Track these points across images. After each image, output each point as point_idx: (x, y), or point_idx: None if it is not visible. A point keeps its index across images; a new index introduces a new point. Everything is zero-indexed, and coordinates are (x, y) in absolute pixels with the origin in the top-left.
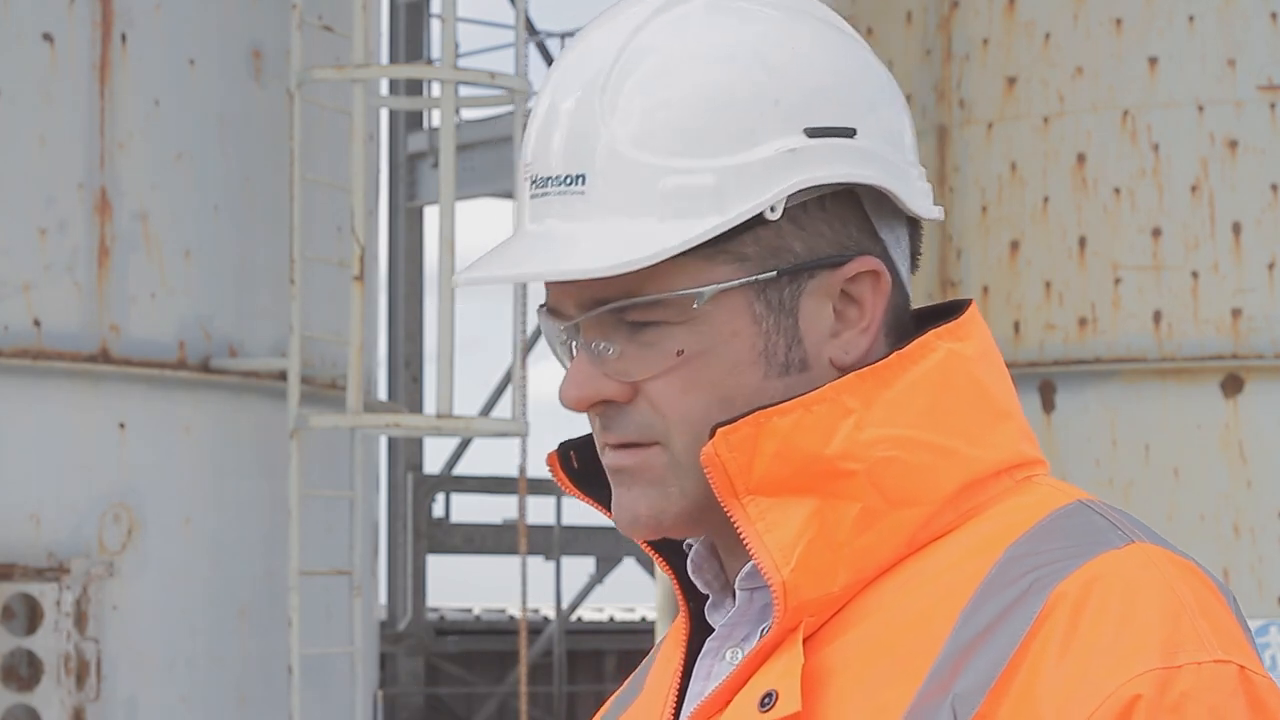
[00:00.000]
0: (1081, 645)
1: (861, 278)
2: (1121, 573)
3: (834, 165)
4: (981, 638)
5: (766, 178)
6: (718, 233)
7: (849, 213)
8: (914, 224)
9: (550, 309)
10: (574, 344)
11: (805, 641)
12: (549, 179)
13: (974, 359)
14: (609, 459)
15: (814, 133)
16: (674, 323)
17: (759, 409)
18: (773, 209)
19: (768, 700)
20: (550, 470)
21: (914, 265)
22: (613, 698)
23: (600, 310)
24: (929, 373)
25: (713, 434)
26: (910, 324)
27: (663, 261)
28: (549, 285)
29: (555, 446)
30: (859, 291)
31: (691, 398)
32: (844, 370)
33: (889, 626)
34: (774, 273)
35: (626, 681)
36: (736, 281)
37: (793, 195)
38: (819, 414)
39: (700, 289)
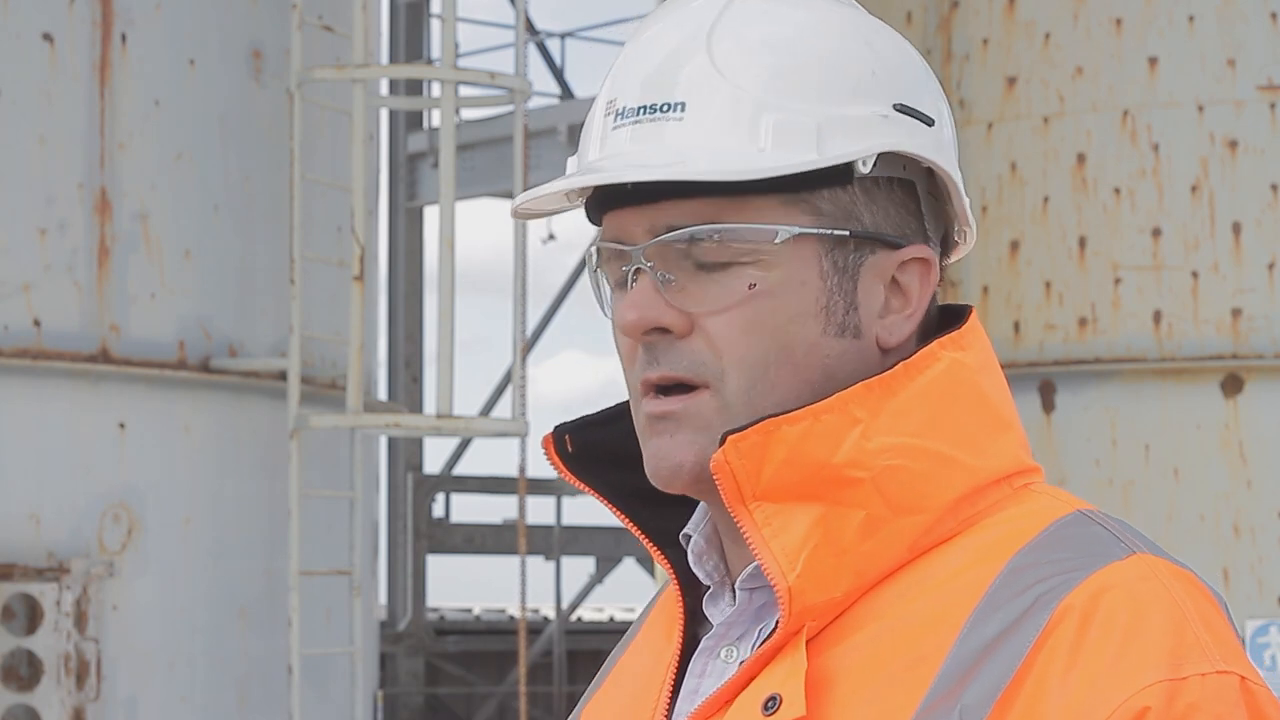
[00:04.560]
0: (1089, 658)
1: (912, 265)
2: (1126, 585)
3: (922, 144)
4: (989, 649)
5: (862, 133)
6: (817, 167)
7: (910, 202)
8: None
9: (613, 239)
10: (633, 274)
11: (807, 645)
12: (641, 108)
13: (976, 369)
14: (652, 406)
15: (902, 109)
16: (744, 262)
17: (770, 417)
18: (864, 162)
19: (772, 704)
20: (545, 453)
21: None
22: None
23: (679, 233)
24: (934, 382)
25: (723, 441)
26: (934, 327)
27: (745, 198)
28: (610, 216)
29: (551, 430)
30: (907, 279)
31: (752, 338)
32: (886, 351)
33: (892, 632)
34: (847, 232)
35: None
36: (814, 229)
37: (870, 167)
38: (827, 423)
39: (781, 226)
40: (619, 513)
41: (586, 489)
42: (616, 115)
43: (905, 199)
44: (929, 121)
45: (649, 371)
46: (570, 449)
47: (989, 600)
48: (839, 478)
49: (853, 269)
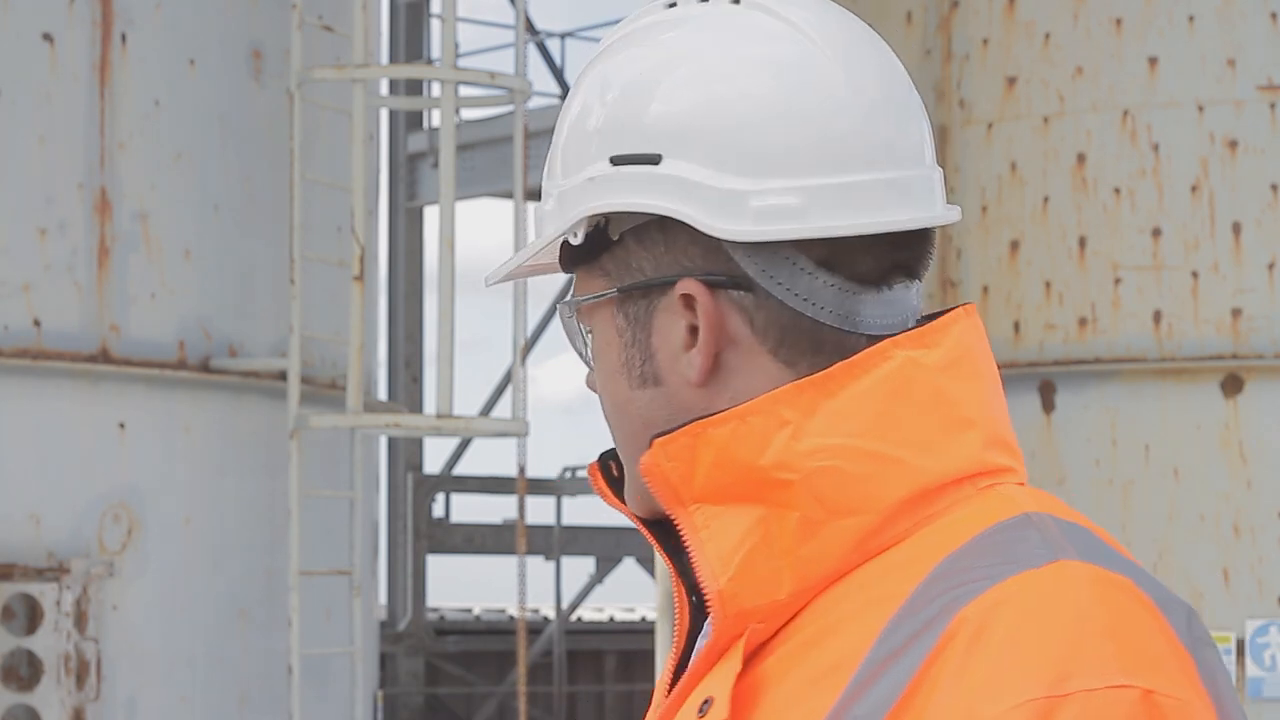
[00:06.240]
0: (972, 673)
1: (691, 299)
2: (1027, 595)
3: (626, 194)
4: (891, 659)
5: (574, 203)
6: (532, 254)
7: (688, 236)
8: (873, 243)
9: None
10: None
11: (760, 648)
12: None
13: (936, 367)
14: None
15: (617, 160)
16: (589, 329)
17: (695, 419)
18: (575, 235)
19: (705, 706)
20: (590, 480)
21: (911, 264)
22: None
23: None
24: (881, 381)
25: (650, 444)
26: (829, 340)
27: (579, 272)
28: None
29: (596, 457)
30: (693, 311)
31: (601, 396)
32: (698, 389)
33: (820, 637)
34: (615, 290)
35: None
36: (590, 296)
37: (626, 218)
38: (753, 425)
39: (572, 299)
40: (650, 535)
41: (627, 512)
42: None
43: (679, 233)
44: (653, 159)
45: None
46: (616, 474)
47: (905, 609)
48: (768, 479)
49: (645, 318)
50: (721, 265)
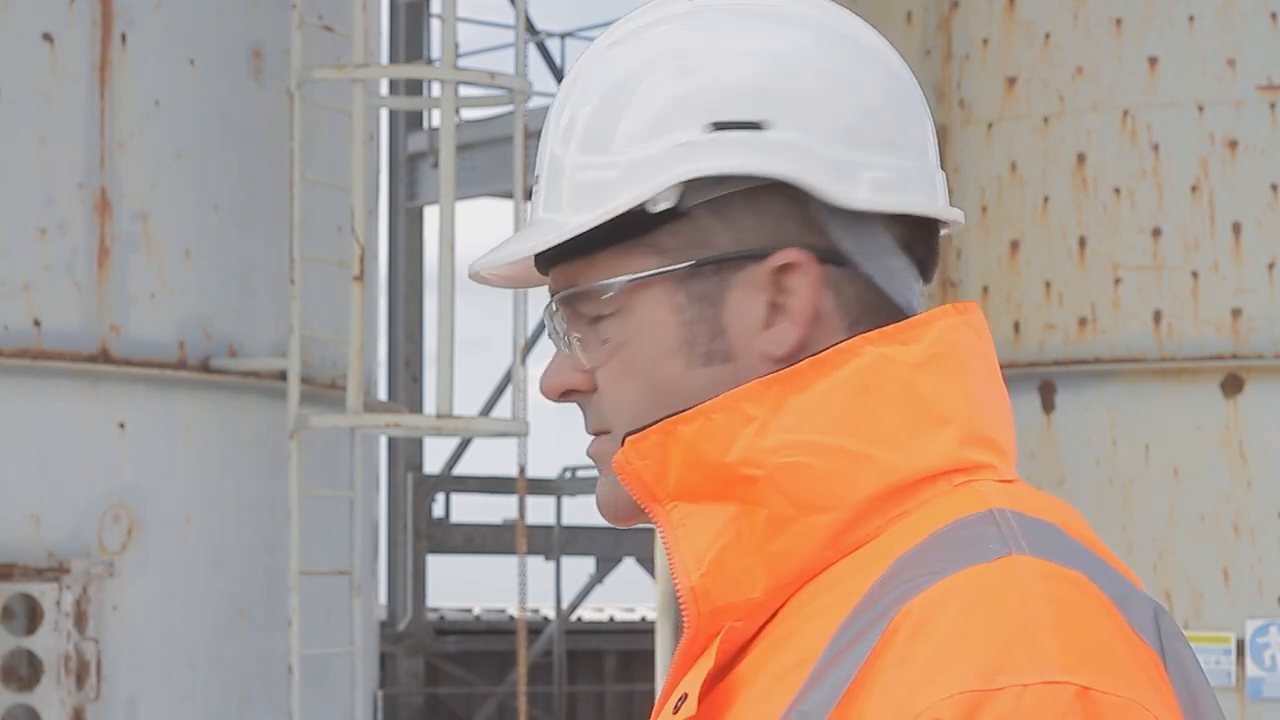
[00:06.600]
0: (910, 666)
1: (791, 270)
2: (969, 588)
3: (730, 158)
4: (841, 653)
5: (658, 171)
6: (597, 223)
7: (782, 207)
8: (914, 222)
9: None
10: (559, 337)
11: (745, 648)
12: (535, 177)
13: (911, 364)
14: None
15: (718, 126)
16: (609, 315)
17: (671, 416)
18: (654, 202)
19: (679, 702)
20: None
21: (926, 265)
22: None
23: (552, 301)
24: (850, 377)
25: (623, 443)
26: (891, 324)
27: (591, 256)
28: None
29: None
30: (792, 284)
31: (625, 385)
32: (779, 363)
33: (788, 635)
34: (691, 263)
35: None
36: (647, 273)
37: (708, 187)
38: (718, 422)
39: (611, 280)
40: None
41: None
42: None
43: (776, 204)
44: (756, 126)
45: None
46: None
47: (863, 603)
48: (735, 476)
49: (715, 294)
50: (816, 238)
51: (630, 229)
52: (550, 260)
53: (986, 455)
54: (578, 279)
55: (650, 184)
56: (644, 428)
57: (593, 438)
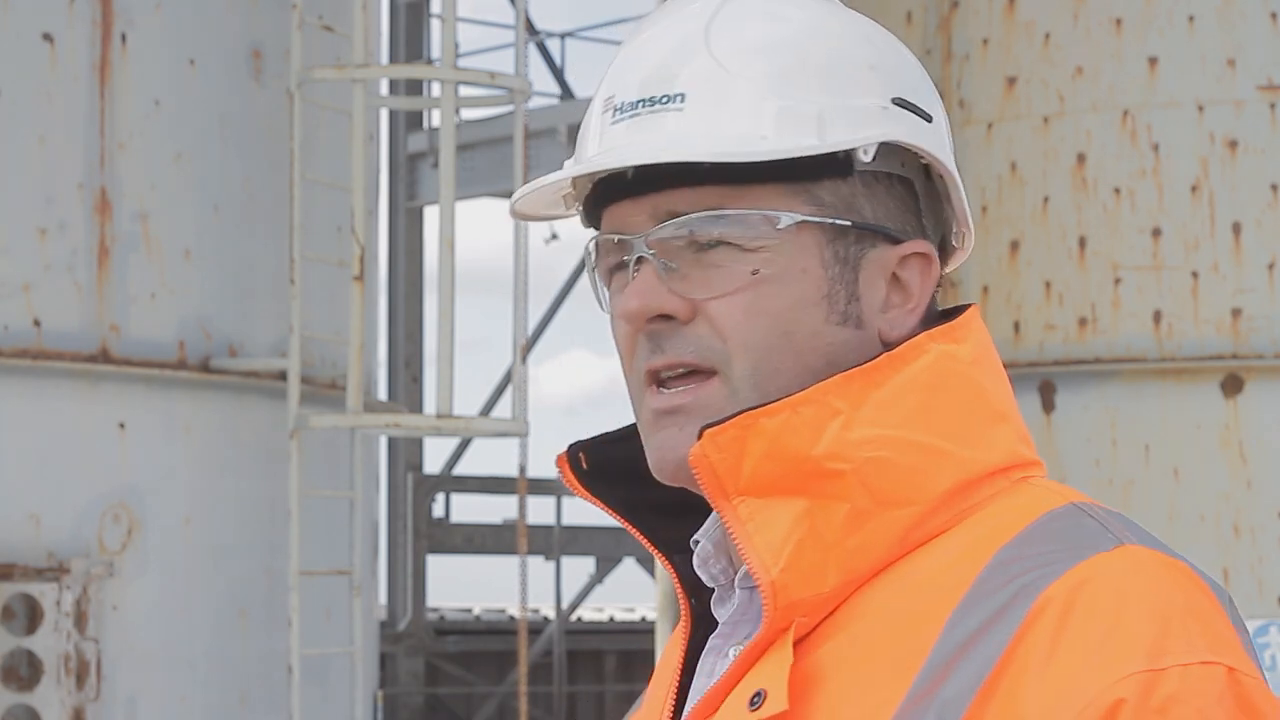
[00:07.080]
0: (1067, 649)
1: (912, 260)
2: (1109, 576)
3: (921, 137)
4: (970, 642)
5: (863, 123)
6: (819, 152)
7: (908, 199)
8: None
9: (613, 230)
10: (635, 264)
11: (800, 642)
12: (640, 101)
13: (969, 361)
14: (659, 401)
15: (900, 103)
16: (746, 248)
17: (747, 410)
18: (865, 151)
19: (757, 699)
20: (559, 471)
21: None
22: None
23: (683, 219)
24: (920, 374)
25: (700, 435)
26: (936, 322)
27: (746, 186)
28: (610, 211)
29: (565, 448)
30: (908, 274)
31: (755, 322)
32: (889, 347)
33: (880, 628)
34: (849, 223)
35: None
36: (817, 218)
37: (868, 163)
38: (805, 415)
39: (784, 213)
40: (626, 523)
41: (600, 505)
42: (615, 111)
43: (904, 195)
44: (928, 117)
45: (653, 359)
46: (585, 466)
47: (973, 594)
48: (820, 470)
49: (854, 260)
50: (925, 236)
51: (807, 171)
52: (670, 180)
53: (1032, 452)
54: (720, 204)
55: (862, 133)
56: (720, 421)
57: (670, 391)
